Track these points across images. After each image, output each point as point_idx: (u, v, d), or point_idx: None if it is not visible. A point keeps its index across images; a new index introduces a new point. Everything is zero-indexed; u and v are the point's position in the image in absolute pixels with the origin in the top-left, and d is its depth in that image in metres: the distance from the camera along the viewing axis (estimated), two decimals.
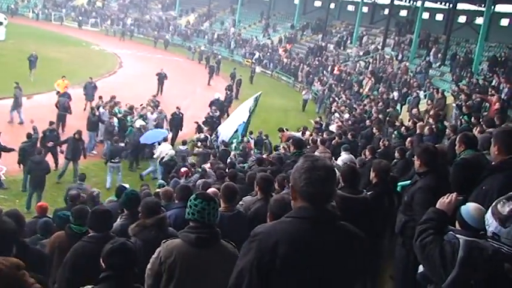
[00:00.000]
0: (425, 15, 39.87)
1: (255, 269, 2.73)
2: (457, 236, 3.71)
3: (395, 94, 29.40)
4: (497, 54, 30.50)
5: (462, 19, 38.35)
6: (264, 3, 58.87)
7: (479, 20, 34.64)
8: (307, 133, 19.75)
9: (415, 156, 6.19)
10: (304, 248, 2.75)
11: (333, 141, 15.67)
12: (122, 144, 19.03)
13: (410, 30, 40.96)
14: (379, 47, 41.66)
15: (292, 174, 2.98)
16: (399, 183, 7.87)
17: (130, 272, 3.90)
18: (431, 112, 19.59)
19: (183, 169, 14.27)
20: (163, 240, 4.34)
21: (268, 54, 50.04)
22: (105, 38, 55.24)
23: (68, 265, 5.20)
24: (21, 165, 15.96)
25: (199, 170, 14.75)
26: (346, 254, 2.84)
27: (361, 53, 42.57)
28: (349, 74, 38.12)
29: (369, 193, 6.65)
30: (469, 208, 3.90)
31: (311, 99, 35.99)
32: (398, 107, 27.21)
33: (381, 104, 26.88)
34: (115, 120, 20.55)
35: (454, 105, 20.26)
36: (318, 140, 14.37)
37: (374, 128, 17.68)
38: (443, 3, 39.11)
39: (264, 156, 15.01)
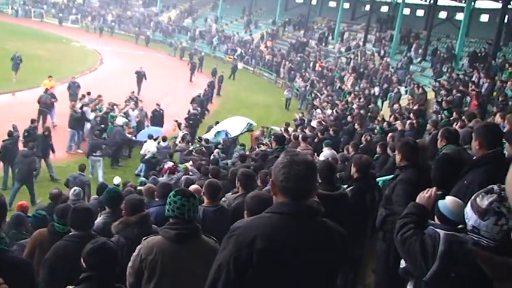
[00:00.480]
0: (406, 11, 40.11)
1: (232, 264, 2.72)
2: (437, 230, 3.74)
3: (377, 90, 29.56)
4: (477, 49, 30.77)
5: (443, 15, 38.69)
6: None
7: (460, 16, 34.98)
8: (290, 129, 19.76)
9: (396, 151, 6.22)
10: (282, 243, 2.74)
11: (315, 137, 15.70)
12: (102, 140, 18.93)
13: (392, 26, 41.17)
14: (361, 43, 41.82)
15: (273, 170, 2.96)
16: (380, 178, 7.92)
17: (111, 272, 3.87)
18: (414, 107, 19.74)
19: (166, 165, 14.22)
20: (144, 238, 4.33)
21: (250, 50, 50.00)
22: (85, 35, 54.76)
23: (47, 264, 5.14)
24: (2, 163, 15.80)
25: (180, 167, 14.71)
26: (326, 250, 2.83)
27: (342, 49, 42.70)
28: (331, 70, 38.23)
29: (349, 188, 6.68)
30: (447, 202, 3.94)
31: (294, 97, 35.94)
32: (379, 103, 27.37)
33: (362, 99, 27.00)
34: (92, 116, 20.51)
35: (434, 101, 20.42)
36: (300, 136, 14.39)
37: (356, 124, 17.75)
38: None
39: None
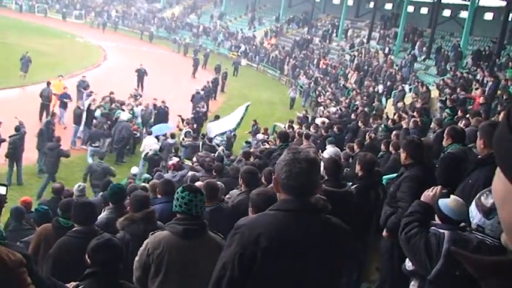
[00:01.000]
0: (410, 9, 39.93)
1: (237, 261, 2.72)
2: (439, 230, 3.75)
3: (381, 87, 29.51)
4: (482, 48, 30.64)
5: (447, 13, 38.49)
6: None
7: (464, 14, 34.82)
8: (295, 126, 19.75)
9: (401, 149, 6.22)
10: (287, 241, 2.74)
11: (320, 135, 15.71)
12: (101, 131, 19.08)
13: (396, 23, 41.04)
14: (365, 40, 41.73)
15: (276, 167, 2.97)
16: (385, 177, 7.91)
17: (115, 268, 3.88)
18: (418, 105, 19.72)
19: (170, 162, 14.24)
20: (151, 232, 4.36)
21: (254, 47, 49.95)
22: (89, 30, 54.72)
23: (50, 260, 5.17)
24: (8, 159, 15.82)
25: (185, 162, 14.74)
26: (330, 247, 2.83)
27: (346, 47, 42.61)
28: (335, 67, 38.16)
29: (354, 186, 6.69)
30: (447, 201, 3.95)
31: (298, 95, 35.79)
32: (383, 101, 27.33)
33: (366, 97, 26.97)
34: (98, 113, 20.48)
35: (438, 99, 20.38)
36: (303, 134, 14.39)
37: (360, 122, 17.73)
38: None
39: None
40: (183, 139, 19.00)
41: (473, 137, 6.10)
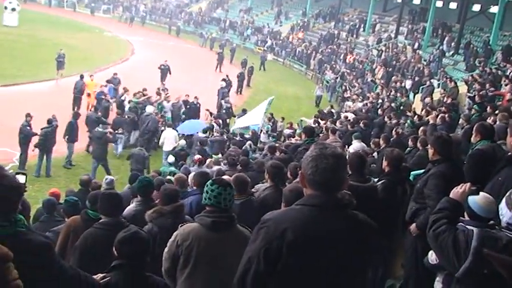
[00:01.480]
0: (439, 4, 39.36)
1: (262, 255, 2.73)
2: (467, 226, 3.71)
3: (408, 83, 29.21)
4: None
5: (476, 7, 37.79)
6: None
7: (494, 9, 34.18)
8: (322, 121, 19.70)
9: (427, 145, 6.16)
10: (312, 235, 2.74)
11: (346, 130, 15.65)
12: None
13: (424, 18, 40.56)
14: (392, 35, 41.35)
15: (302, 162, 2.97)
16: (412, 172, 7.85)
17: (142, 261, 3.92)
18: (446, 101, 19.49)
19: (196, 156, 14.30)
20: (180, 224, 4.41)
21: (281, 41, 49.83)
22: (117, 25, 55.31)
23: (77, 252, 5.22)
24: (39, 150, 16.01)
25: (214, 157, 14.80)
26: (356, 242, 2.82)
27: (374, 41, 42.24)
28: (362, 62, 37.89)
29: (381, 182, 6.64)
30: (477, 198, 3.89)
31: (325, 91, 35.52)
32: (411, 96, 27.06)
33: (393, 92, 26.75)
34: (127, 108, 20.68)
35: (467, 95, 20.08)
36: (330, 129, 14.35)
37: (386, 117, 17.61)
38: None
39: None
40: (212, 135, 19.06)
41: (502, 134, 6.01)
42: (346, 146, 12.46)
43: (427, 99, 21.86)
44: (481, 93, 17.90)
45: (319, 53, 43.96)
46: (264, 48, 48.32)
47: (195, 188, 7.13)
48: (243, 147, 15.98)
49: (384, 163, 6.83)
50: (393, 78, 31.10)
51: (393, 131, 13.98)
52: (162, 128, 19.70)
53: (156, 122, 19.46)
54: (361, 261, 2.89)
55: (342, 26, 49.25)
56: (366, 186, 5.95)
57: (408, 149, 11.22)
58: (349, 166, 6.15)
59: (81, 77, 23.28)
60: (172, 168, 14.38)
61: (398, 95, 25.86)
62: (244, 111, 23.04)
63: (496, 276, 3.32)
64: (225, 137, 18.65)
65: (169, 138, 18.02)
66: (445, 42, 35.04)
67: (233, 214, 4.42)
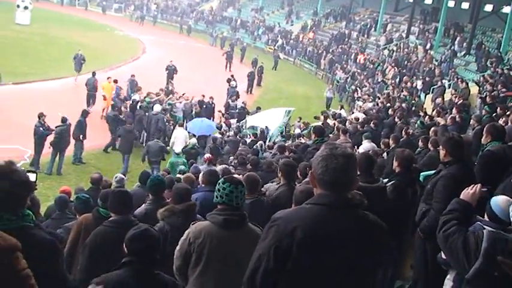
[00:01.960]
0: (451, 3, 39.13)
1: (272, 254, 2.75)
2: (484, 226, 3.69)
3: (419, 83, 29.08)
4: None
5: (489, 8, 37.54)
6: None
7: (507, 9, 33.94)
8: (330, 121, 19.65)
9: (438, 146, 6.13)
10: (322, 234, 2.75)
11: (353, 130, 15.60)
12: None
13: (436, 18, 40.36)
14: (403, 35, 41.18)
15: (312, 162, 2.99)
16: (422, 173, 7.82)
17: (151, 258, 3.93)
18: (458, 102, 19.38)
19: (206, 155, 14.33)
20: (192, 222, 4.45)
21: (291, 41, 49.77)
22: (129, 24, 55.50)
23: (87, 249, 5.26)
24: (52, 148, 16.13)
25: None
26: (365, 243, 2.83)
27: (384, 41, 42.06)
28: (373, 62, 37.77)
29: (391, 182, 6.62)
30: (499, 200, 3.86)
31: (336, 92, 35.27)
32: (422, 96, 26.94)
33: (404, 93, 26.64)
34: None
35: (478, 96, 19.97)
36: (340, 129, 14.31)
37: (396, 117, 17.55)
38: None
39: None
40: (227, 135, 19.09)
41: None
42: (356, 146, 12.42)
43: (439, 100, 21.75)
44: (492, 94, 17.81)
45: (329, 52, 43.84)
46: (275, 48, 48.28)
47: (203, 186, 7.14)
48: (254, 147, 15.98)
49: (395, 163, 6.81)
50: (404, 78, 30.97)
51: (403, 131, 13.92)
52: (172, 127, 19.76)
53: (165, 121, 19.48)
54: (371, 261, 2.89)
55: (353, 25, 49.10)
56: (374, 187, 5.94)
57: (418, 149, 11.17)
58: (357, 166, 6.14)
59: (93, 74, 23.50)
60: (183, 167, 14.41)
61: (408, 94, 25.79)
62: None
63: (506, 278, 3.31)
64: (238, 137, 18.64)
65: (179, 138, 17.94)
66: (456, 42, 34.82)
67: (244, 212, 4.45)
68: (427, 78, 28.71)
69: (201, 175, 7.88)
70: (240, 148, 16.19)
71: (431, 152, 10.08)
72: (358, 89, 32.21)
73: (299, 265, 2.74)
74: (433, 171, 6.41)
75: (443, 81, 27.09)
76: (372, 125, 16.06)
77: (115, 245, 4.32)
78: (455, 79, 25.89)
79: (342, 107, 26.09)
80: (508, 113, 12.77)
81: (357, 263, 2.81)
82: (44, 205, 9.30)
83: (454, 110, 16.56)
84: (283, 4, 59.43)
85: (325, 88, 34.58)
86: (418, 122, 16.67)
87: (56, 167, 16.14)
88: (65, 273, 3.61)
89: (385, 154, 11.96)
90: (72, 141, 16.92)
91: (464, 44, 34.18)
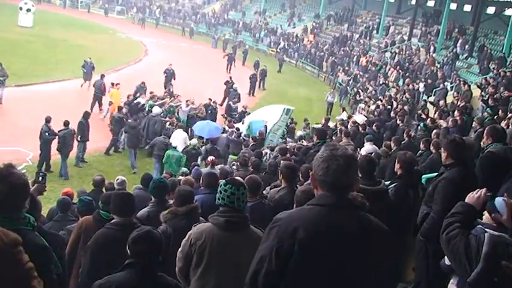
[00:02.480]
0: (453, 6, 39.20)
1: (274, 254, 2.75)
2: (486, 229, 3.67)
3: (421, 85, 29.06)
4: None
5: (491, 10, 37.56)
6: None
7: (509, 12, 33.97)
8: (331, 124, 19.66)
9: (440, 148, 6.12)
10: (323, 234, 2.75)
11: (357, 133, 15.59)
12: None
13: (438, 20, 40.35)
14: (406, 38, 41.18)
15: (313, 163, 2.98)
16: (424, 176, 7.80)
17: (154, 260, 3.93)
18: (460, 104, 19.37)
19: (209, 158, 14.33)
20: (194, 224, 4.46)
21: (293, 43, 49.78)
22: (131, 26, 55.60)
23: (88, 252, 5.27)
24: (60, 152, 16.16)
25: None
26: (366, 244, 2.82)
27: (387, 44, 42.06)
28: (375, 64, 37.75)
29: (393, 185, 6.61)
30: (505, 203, 3.84)
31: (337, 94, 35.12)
32: (424, 99, 26.89)
33: (406, 95, 26.62)
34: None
35: (480, 99, 19.94)
36: (342, 131, 14.31)
37: (398, 120, 17.55)
38: None
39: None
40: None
41: None
42: (358, 149, 12.42)
43: (441, 102, 21.74)
44: (494, 96, 17.80)
45: (331, 55, 43.82)
46: (277, 50, 48.29)
47: (202, 188, 7.14)
48: (257, 150, 15.95)
49: (396, 166, 6.80)
50: (406, 80, 30.95)
51: (405, 134, 13.91)
52: (172, 129, 19.74)
53: (161, 124, 19.52)
54: (372, 262, 2.87)
55: (355, 28, 49.13)
56: (375, 189, 5.93)
57: (420, 152, 11.15)
58: (359, 169, 6.15)
59: (102, 76, 23.61)
60: (185, 169, 14.40)
61: (409, 96, 25.78)
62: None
63: (508, 282, 3.31)
64: (241, 138, 18.61)
65: (178, 139, 17.86)
66: (458, 44, 34.85)
67: (246, 214, 4.46)
68: (429, 81, 28.70)
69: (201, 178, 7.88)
70: (242, 150, 16.18)
71: (433, 155, 10.07)
72: (360, 91, 32.21)
73: (301, 265, 2.74)
74: (435, 174, 6.40)
75: (446, 83, 27.06)
76: (373, 127, 16.06)
77: (117, 248, 4.34)
78: (458, 81, 25.87)
79: (343, 109, 26.07)
80: (509, 115, 12.77)
81: (358, 264, 2.80)
82: (46, 207, 9.31)
83: (455, 113, 16.55)
84: (285, 6, 59.48)
85: (327, 91, 34.47)
86: (421, 124, 16.67)
87: (58, 169, 16.16)
88: (54, 282, 3.59)
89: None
90: (75, 143, 16.92)
91: (467, 46, 34.21)
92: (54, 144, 16.06)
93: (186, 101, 22.46)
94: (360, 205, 2.93)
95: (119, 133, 19.06)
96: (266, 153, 15.68)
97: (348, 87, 34.94)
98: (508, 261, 3.37)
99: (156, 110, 19.96)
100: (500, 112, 14.20)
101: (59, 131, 16.00)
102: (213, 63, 40.19)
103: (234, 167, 12.82)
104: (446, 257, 4.23)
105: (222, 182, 4.50)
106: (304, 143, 15.99)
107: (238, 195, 4.34)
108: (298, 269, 2.75)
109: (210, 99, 23.85)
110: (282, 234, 2.77)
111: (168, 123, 20.06)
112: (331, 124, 20.01)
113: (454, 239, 3.72)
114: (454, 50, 34.04)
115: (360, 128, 16.18)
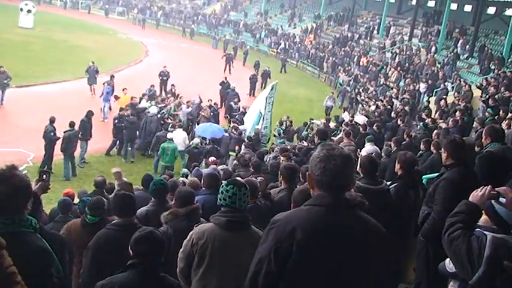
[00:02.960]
0: (454, 6, 39.15)
1: (273, 255, 2.75)
2: (485, 232, 3.63)
3: (422, 86, 29.05)
4: None
5: (491, 10, 37.53)
6: None
7: (510, 12, 33.95)
8: (332, 124, 19.66)
9: (441, 149, 6.12)
10: (321, 234, 2.76)
11: (358, 133, 15.59)
12: None
13: (438, 21, 40.33)
14: (406, 38, 41.17)
15: (310, 163, 2.99)
16: (425, 176, 7.80)
17: (157, 260, 3.94)
18: (461, 104, 19.36)
19: (211, 158, 14.34)
20: (196, 224, 4.47)
21: (294, 44, 49.75)
22: (131, 27, 55.65)
23: (90, 252, 5.27)
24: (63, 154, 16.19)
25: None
26: (365, 243, 2.83)
27: (388, 44, 42.04)
28: (375, 64, 37.73)
29: (393, 185, 6.61)
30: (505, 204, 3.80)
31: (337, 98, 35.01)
32: (425, 99, 26.91)
33: (407, 95, 26.62)
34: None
35: (480, 100, 19.93)
36: (343, 132, 14.30)
37: (399, 120, 17.54)
38: None
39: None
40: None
41: None
42: (359, 149, 12.42)
43: (442, 102, 21.73)
44: (496, 96, 17.79)
45: (332, 55, 43.79)
46: (278, 51, 48.26)
47: (204, 189, 7.14)
48: (260, 151, 15.94)
49: (397, 166, 6.79)
50: (407, 81, 30.95)
51: (405, 134, 13.91)
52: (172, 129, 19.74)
53: (158, 124, 19.54)
54: (371, 262, 2.87)
55: (356, 28, 49.11)
56: (376, 189, 5.94)
57: (420, 152, 11.15)
58: (360, 169, 6.15)
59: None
60: (185, 170, 14.41)
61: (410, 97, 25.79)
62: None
63: (510, 284, 3.29)
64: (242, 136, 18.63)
65: (177, 138, 17.91)
66: (459, 45, 34.83)
67: (248, 215, 4.46)
68: (430, 81, 28.70)
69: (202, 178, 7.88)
70: (243, 150, 16.18)
71: (433, 155, 10.08)
72: (360, 91, 32.20)
73: (299, 266, 2.74)
74: (435, 174, 6.40)
75: (446, 83, 27.06)
76: (374, 127, 16.05)
77: (118, 248, 4.36)
78: (458, 81, 25.86)
79: (344, 110, 26.06)
80: (510, 115, 12.76)
81: (356, 263, 2.80)
82: (48, 208, 9.32)
83: (456, 113, 16.54)
84: (286, 7, 59.46)
85: (328, 91, 34.46)
86: (421, 124, 16.67)
87: (63, 171, 16.18)
88: (55, 285, 3.58)
89: None
90: (79, 143, 16.97)
91: (467, 46, 34.17)
92: (57, 145, 16.06)
93: (187, 102, 22.46)
94: (358, 204, 2.93)
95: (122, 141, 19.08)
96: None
97: (348, 88, 34.86)
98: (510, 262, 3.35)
99: (153, 110, 20.00)
100: (501, 112, 14.19)
101: (64, 132, 16.01)
102: (214, 64, 40.12)
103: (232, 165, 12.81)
104: (446, 260, 4.21)
105: (223, 182, 4.51)
106: (305, 143, 15.99)
107: (240, 196, 4.35)
108: (297, 269, 2.75)
109: (210, 100, 23.88)
110: (280, 235, 2.77)
111: (170, 125, 20.04)
112: (331, 125, 19.99)
113: (456, 241, 3.68)
114: (455, 50, 34.01)
115: (361, 129, 16.18)
